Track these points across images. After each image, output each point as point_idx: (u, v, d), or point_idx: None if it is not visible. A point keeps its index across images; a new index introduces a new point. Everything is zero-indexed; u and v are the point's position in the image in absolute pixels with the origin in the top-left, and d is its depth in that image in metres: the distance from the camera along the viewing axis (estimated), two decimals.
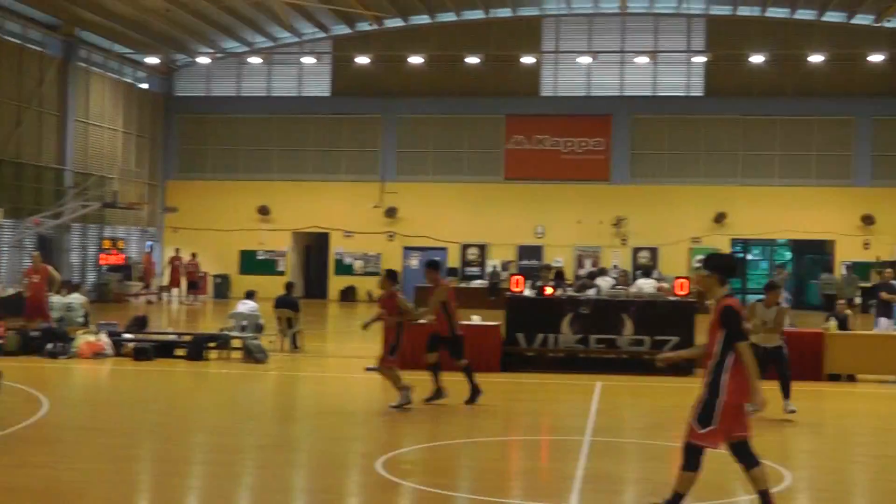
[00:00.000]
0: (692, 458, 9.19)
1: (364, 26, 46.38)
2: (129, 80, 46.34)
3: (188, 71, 48.92)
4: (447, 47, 45.37)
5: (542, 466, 12.83)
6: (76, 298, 25.48)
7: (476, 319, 21.52)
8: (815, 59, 42.48)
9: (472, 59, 44.45)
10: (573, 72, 46.04)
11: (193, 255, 43.76)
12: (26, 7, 37.69)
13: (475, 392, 16.46)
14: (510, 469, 12.59)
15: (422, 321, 17.02)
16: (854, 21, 43.85)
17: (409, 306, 16.46)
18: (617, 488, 11.17)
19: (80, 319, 24.78)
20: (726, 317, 9.06)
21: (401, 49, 45.43)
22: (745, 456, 9.18)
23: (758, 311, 15.96)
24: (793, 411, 15.49)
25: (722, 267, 9.26)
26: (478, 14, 46.12)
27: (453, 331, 16.49)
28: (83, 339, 22.02)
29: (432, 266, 16.89)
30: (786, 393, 15.74)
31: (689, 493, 9.41)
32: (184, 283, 43.30)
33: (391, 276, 16.68)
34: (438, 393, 16.39)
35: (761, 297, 16.42)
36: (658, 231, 44.41)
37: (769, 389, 16.45)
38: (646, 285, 24.05)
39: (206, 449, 13.19)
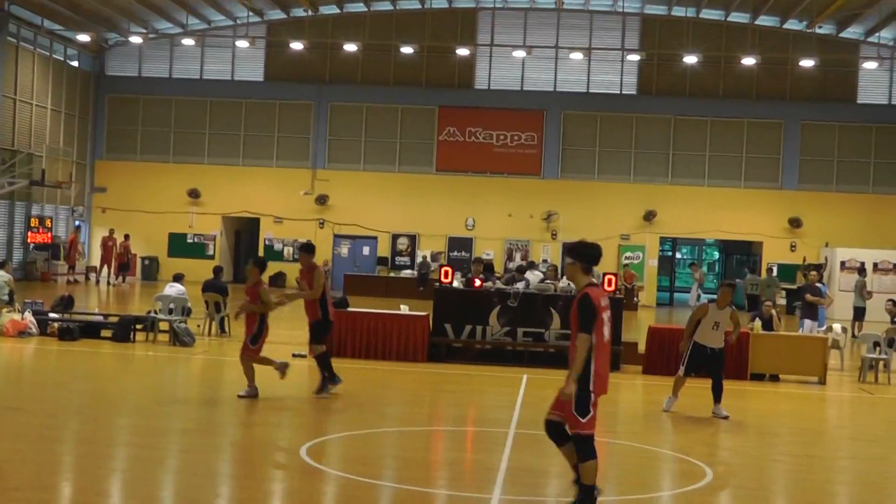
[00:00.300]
0: (586, 448, 9.25)
1: (299, 12, 46.15)
2: (60, 58, 45.68)
3: (120, 50, 48.33)
4: (382, 36, 45.31)
5: (466, 457, 12.93)
6: (1, 276, 25.10)
7: (405, 309, 21.63)
8: (748, 61, 43.04)
9: (407, 49, 44.45)
10: (508, 66, 46.23)
11: (126, 237, 43.27)
12: None
13: (325, 382, 16.03)
14: (435, 459, 12.68)
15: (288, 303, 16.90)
16: (786, 26, 44.54)
17: (269, 299, 15.94)
18: (539, 481, 11.30)
19: (5, 297, 24.42)
20: (581, 305, 9.12)
21: (335, 36, 45.32)
22: (562, 436, 9.44)
23: (710, 311, 16.02)
24: (725, 417, 15.64)
25: (585, 255, 9.31)
26: (414, 4, 46.14)
27: (326, 317, 16.11)
28: (8, 318, 21.76)
29: (306, 250, 16.47)
30: (717, 397, 15.91)
31: (601, 482, 9.55)
32: (113, 264, 42.81)
33: (258, 264, 16.45)
34: (332, 379, 16.06)
35: (713, 297, 16.55)
36: (588, 227, 44.68)
37: (700, 388, 16.80)
38: None
39: (131, 431, 13.12)
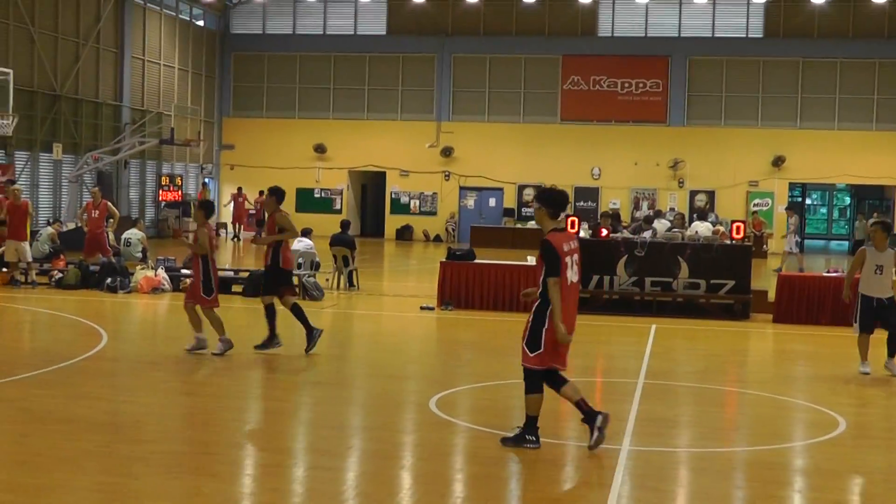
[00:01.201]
0: (531, 382, 9.69)
1: None
2: (185, 18, 46.43)
3: (244, 8, 48.91)
4: None
5: (595, 407, 12.81)
6: (134, 234, 25.76)
7: (531, 260, 21.50)
8: (878, 0, 41.60)
9: None
10: (631, 12, 45.51)
11: (261, 193, 43.81)
12: None
13: (272, 339, 15.14)
14: (563, 410, 12.57)
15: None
16: None
17: (204, 241, 15.04)
18: (669, 431, 11.15)
19: (139, 255, 25.08)
20: (543, 250, 9.54)
21: None
22: (558, 381, 9.79)
23: (869, 255, 14.70)
24: None
25: (550, 201, 9.73)
26: None
27: (277, 263, 15.10)
28: (142, 275, 22.28)
29: (274, 193, 15.53)
30: (892, 351, 14.61)
31: (540, 414, 9.79)
32: (244, 220, 43.55)
33: (203, 206, 15.78)
34: (271, 340, 15.19)
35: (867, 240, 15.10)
36: (715, 174, 44.00)
37: (839, 336, 16.35)
38: (702, 228, 23.89)
39: (262, 384, 13.34)
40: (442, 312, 20.13)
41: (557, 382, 9.85)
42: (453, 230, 45.82)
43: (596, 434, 9.78)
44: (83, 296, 21.31)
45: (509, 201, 45.89)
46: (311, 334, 15.14)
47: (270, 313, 15.14)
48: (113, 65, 40.78)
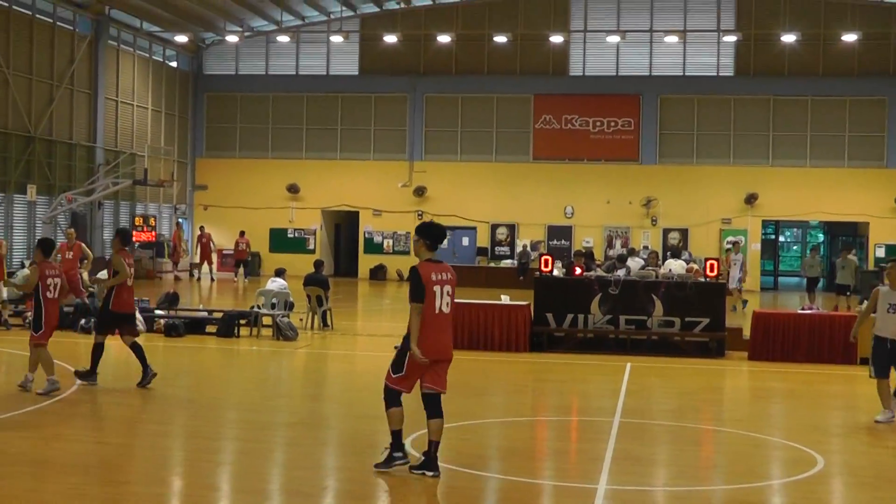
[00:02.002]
0: (391, 398, 10.36)
1: (392, 5, 46.31)
2: (159, 59, 46.49)
3: (217, 49, 49.00)
4: (475, 26, 45.27)
5: (571, 447, 12.84)
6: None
7: (505, 299, 21.56)
8: (848, 38, 42.10)
9: (500, 38, 44.31)
10: (602, 51, 45.84)
11: (242, 234, 43.71)
12: None
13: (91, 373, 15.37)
14: (539, 449, 12.61)
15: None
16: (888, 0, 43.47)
17: (29, 279, 15.14)
18: (646, 470, 11.16)
19: None
20: (410, 277, 10.18)
21: (428, 28, 45.37)
22: (432, 407, 10.27)
23: (882, 295, 13.97)
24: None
25: (427, 233, 10.29)
26: None
27: (108, 305, 15.28)
28: None
29: (118, 234, 15.79)
30: None
31: (403, 427, 10.40)
32: (214, 259, 43.45)
33: (119, 233, 15.74)
34: (90, 374, 15.35)
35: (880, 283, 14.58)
36: (688, 212, 44.23)
37: (811, 374, 16.40)
38: (676, 266, 23.98)
39: (237, 425, 13.27)
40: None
41: (433, 412, 10.33)
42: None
43: (386, 458, 10.45)
44: (57, 337, 21.03)
45: (483, 240, 45.94)
46: (146, 372, 15.11)
47: (97, 351, 15.27)
48: (87, 106, 40.72)
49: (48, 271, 14.65)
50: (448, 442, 12.42)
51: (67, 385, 15.10)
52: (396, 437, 10.37)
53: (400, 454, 10.34)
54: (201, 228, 44.63)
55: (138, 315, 22.21)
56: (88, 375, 15.29)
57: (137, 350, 15.33)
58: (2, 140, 34.00)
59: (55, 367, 14.69)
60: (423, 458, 10.37)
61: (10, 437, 11.67)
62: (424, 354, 9.97)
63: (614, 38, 44.45)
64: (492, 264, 44.27)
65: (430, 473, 10.22)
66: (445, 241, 10.78)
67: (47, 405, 13.61)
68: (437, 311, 10.07)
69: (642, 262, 24.35)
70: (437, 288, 10.04)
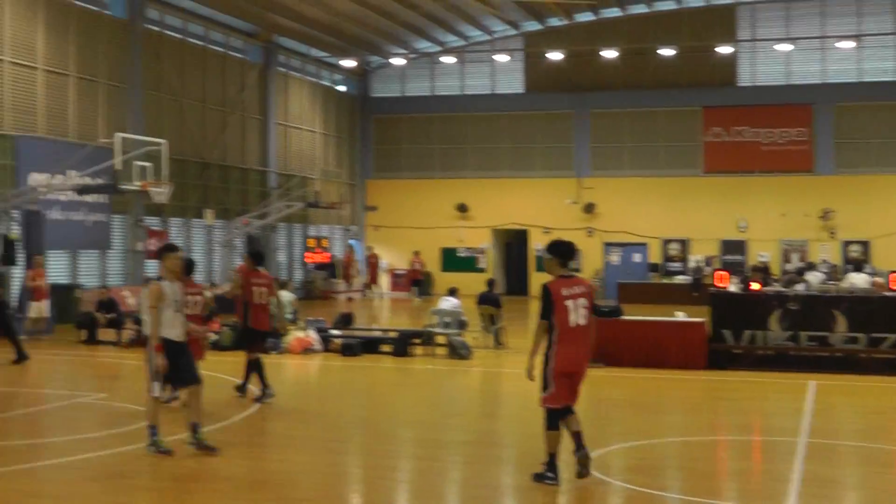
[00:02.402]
0: (549, 420, 10.48)
1: (555, 22, 46.20)
2: (326, 83, 47.45)
3: (383, 72, 49.72)
4: (639, 40, 44.82)
5: (753, 467, 12.48)
6: (285, 296, 26.13)
7: (680, 316, 21.19)
8: None
9: (666, 51, 43.73)
10: (771, 60, 44.84)
11: (416, 254, 44.21)
12: (228, 17, 39.01)
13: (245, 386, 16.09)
14: (721, 469, 12.30)
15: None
16: None
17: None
18: (838, 493, 10.74)
19: (290, 316, 25.45)
20: (541, 295, 10.55)
21: (592, 43, 45.10)
22: (552, 420, 10.47)
23: None
24: None
25: (557, 251, 10.61)
26: (670, 5, 45.46)
27: (245, 322, 16.15)
28: (293, 335, 22.63)
29: (249, 255, 16.90)
30: None
31: (559, 451, 10.43)
32: (384, 279, 44.11)
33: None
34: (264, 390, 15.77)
35: None
36: (869, 223, 42.75)
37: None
38: (859, 280, 23.21)
39: (413, 443, 13.32)
40: (589, 370, 19.89)
41: (551, 425, 10.55)
42: (599, 286, 45.43)
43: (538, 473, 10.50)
44: (237, 357, 21.66)
45: (654, 256, 45.34)
46: (265, 392, 15.65)
47: (254, 368, 15.87)
48: (258, 131, 41.81)
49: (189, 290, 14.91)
50: (625, 461, 12.27)
51: (248, 405, 15.44)
52: (552, 458, 10.48)
53: (552, 475, 10.42)
54: (369, 248, 45.28)
55: (314, 334, 22.74)
56: (263, 395, 15.73)
57: (259, 367, 15.83)
58: (179, 167, 35.11)
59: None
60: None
61: (198, 454, 11.97)
62: (559, 368, 10.36)
63: (784, 47, 43.40)
64: (664, 280, 43.64)
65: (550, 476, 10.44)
66: (575, 259, 11.02)
67: (231, 424, 13.93)
68: (571, 325, 10.39)
69: (823, 277, 23.68)
70: (569, 302, 10.38)
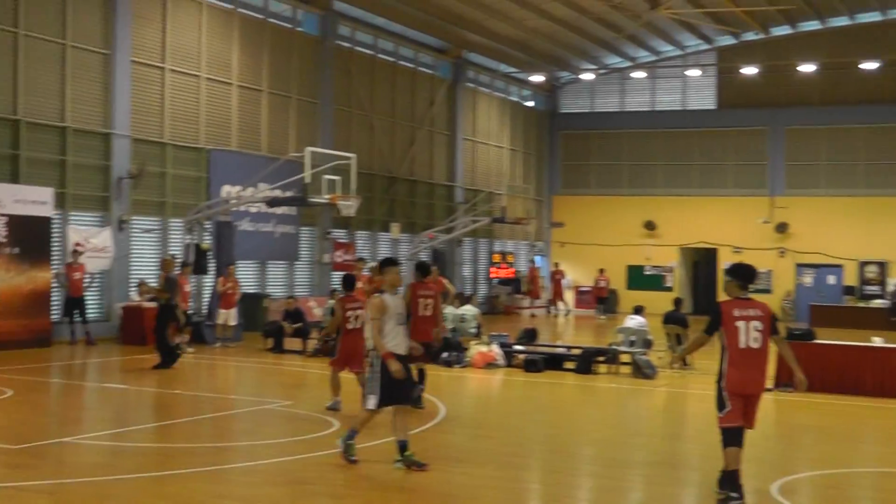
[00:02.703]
0: (726, 438, 10.45)
1: (750, 36, 45.20)
2: (515, 99, 47.56)
3: (572, 87, 49.58)
4: (840, 53, 43.43)
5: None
6: (469, 310, 26.30)
7: (878, 341, 20.32)
8: None
9: (868, 65, 42.22)
10: None
11: (602, 271, 43.98)
12: (418, 33, 39.50)
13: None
14: None
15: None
16: None
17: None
18: None
19: (473, 330, 25.56)
20: (712, 310, 10.62)
21: (789, 57, 44.00)
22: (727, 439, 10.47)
23: None
24: None
25: (737, 274, 10.79)
26: (873, 16, 43.81)
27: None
28: (476, 350, 22.68)
29: (417, 268, 16.87)
30: None
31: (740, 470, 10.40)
32: (568, 296, 43.93)
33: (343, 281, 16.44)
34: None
35: None
36: None
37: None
38: None
39: (595, 462, 13.14)
40: (780, 394, 19.27)
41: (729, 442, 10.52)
42: (790, 308, 44.19)
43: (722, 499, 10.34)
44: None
45: (850, 279, 43.77)
46: (418, 399, 15.81)
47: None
48: (446, 147, 42.21)
49: (349, 305, 15.56)
50: (814, 489, 11.82)
51: (426, 417, 15.50)
52: (733, 477, 10.40)
53: (736, 495, 10.31)
54: (555, 265, 45.10)
55: (497, 349, 22.74)
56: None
57: (422, 376, 16.27)
58: (367, 181, 35.73)
59: (340, 390, 15.73)
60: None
61: (383, 465, 12.09)
62: (729, 388, 10.37)
63: None
64: (860, 304, 42.06)
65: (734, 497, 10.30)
66: (754, 280, 10.98)
67: (416, 434, 14.00)
68: (741, 347, 10.35)
69: None
70: (740, 323, 10.37)
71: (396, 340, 11.60)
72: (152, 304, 24.68)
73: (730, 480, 10.34)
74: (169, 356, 20.84)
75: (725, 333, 10.38)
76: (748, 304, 10.53)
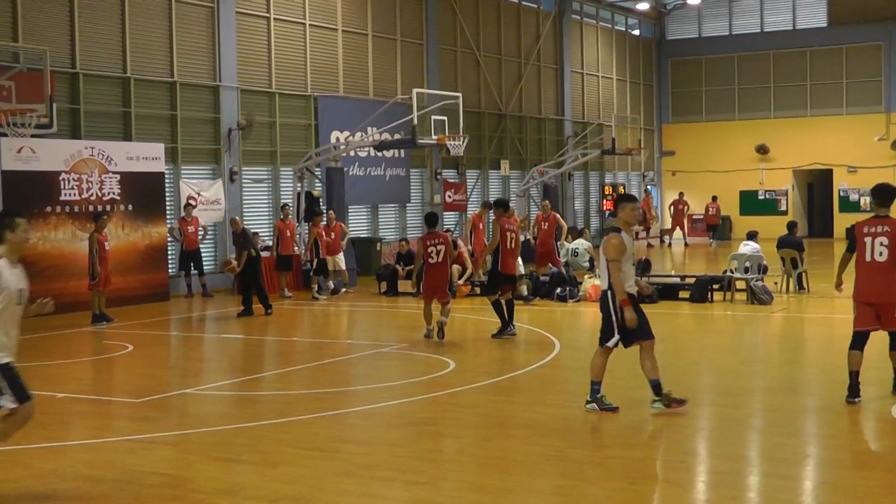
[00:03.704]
0: (853, 341, 11.51)
1: None
2: (621, 28, 46.95)
3: (678, 13, 48.78)
4: None
5: None
6: (581, 244, 26.30)
7: None
8: None
9: None
10: None
11: (714, 199, 43.44)
12: None
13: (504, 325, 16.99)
14: None
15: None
16: None
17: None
18: None
19: (586, 264, 25.54)
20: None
21: None
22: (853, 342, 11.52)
23: None
24: None
25: (874, 193, 11.56)
26: None
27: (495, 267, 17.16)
28: (590, 283, 22.67)
29: (497, 204, 17.60)
30: None
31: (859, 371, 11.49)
32: (687, 225, 43.49)
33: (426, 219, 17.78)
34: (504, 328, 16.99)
35: None
36: None
37: None
38: None
39: (714, 390, 13.13)
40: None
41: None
42: None
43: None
44: (535, 305, 21.99)
45: None
46: (504, 328, 16.93)
47: (498, 307, 16.91)
48: (553, 81, 41.93)
49: (429, 241, 16.95)
50: None
51: (542, 353, 15.62)
52: (852, 376, 11.47)
53: (852, 397, 11.43)
54: (680, 195, 44.46)
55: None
56: (503, 330, 16.95)
57: (510, 307, 17.07)
58: (476, 119, 35.72)
59: (432, 319, 17.04)
60: None
61: (498, 402, 12.25)
62: (856, 297, 11.39)
63: None
64: None
65: None
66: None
67: (530, 371, 14.14)
68: (866, 260, 11.21)
69: None
70: (867, 239, 11.20)
71: (630, 282, 11.14)
72: (265, 253, 25.23)
73: (851, 382, 11.42)
74: (263, 304, 21.39)
75: (857, 248, 11.29)
76: (879, 222, 11.28)
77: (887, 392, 11.89)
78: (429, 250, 16.82)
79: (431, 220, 17.37)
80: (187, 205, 25.73)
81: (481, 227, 26.48)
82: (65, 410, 12.26)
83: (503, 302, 16.85)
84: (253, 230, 25.92)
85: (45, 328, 18.69)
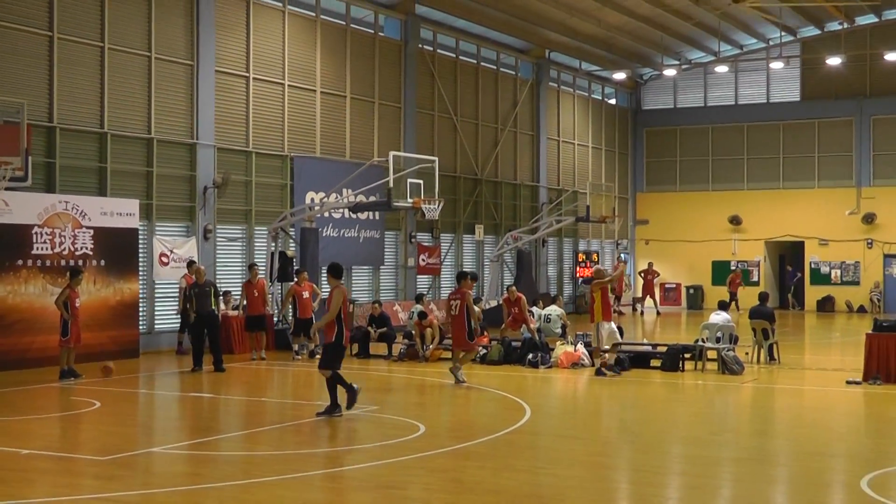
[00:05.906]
0: None
1: (834, 26, 44.56)
2: (598, 97, 47.39)
3: (655, 84, 49.28)
4: None
5: None
6: (554, 310, 26.32)
7: None
8: None
9: None
10: None
11: (650, 265, 43.63)
12: (500, 34, 39.48)
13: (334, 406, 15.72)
14: None
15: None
16: None
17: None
18: None
19: (558, 330, 25.55)
20: None
21: (874, 46, 43.29)
22: None
23: None
24: None
25: None
26: None
27: (339, 340, 15.85)
28: (561, 350, 22.67)
29: (331, 271, 16.36)
30: None
31: None
32: (658, 294, 43.66)
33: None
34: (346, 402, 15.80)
35: None
36: None
37: None
38: None
39: (682, 460, 13.10)
40: (870, 387, 19.05)
41: None
42: (878, 300, 43.51)
43: None
44: (506, 370, 21.96)
45: None
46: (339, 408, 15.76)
47: (333, 381, 15.83)
48: (529, 147, 42.20)
49: (452, 296, 20.06)
50: None
51: (513, 418, 15.57)
52: None
53: None
54: (649, 264, 44.73)
55: (582, 349, 22.71)
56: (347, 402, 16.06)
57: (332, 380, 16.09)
58: (451, 183, 35.89)
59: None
60: None
61: (468, 467, 12.18)
62: None
63: None
64: None
65: None
66: None
67: (499, 436, 14.09)
68: None
69: None
70: None
71: None
72: (235, 313, 25.13)
73: None
74: (215, 362, 21.43)
75: None
76: None
77: (857, 464, 11.89)
78: (451, 303, 19.77)
79: (460, 276, 20.50)
80: (252, 265, 25.60)
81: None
82: (28, 467, 12.09)
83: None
84: (224, 289, 25.79)
85: (12, 383, 18.48)
